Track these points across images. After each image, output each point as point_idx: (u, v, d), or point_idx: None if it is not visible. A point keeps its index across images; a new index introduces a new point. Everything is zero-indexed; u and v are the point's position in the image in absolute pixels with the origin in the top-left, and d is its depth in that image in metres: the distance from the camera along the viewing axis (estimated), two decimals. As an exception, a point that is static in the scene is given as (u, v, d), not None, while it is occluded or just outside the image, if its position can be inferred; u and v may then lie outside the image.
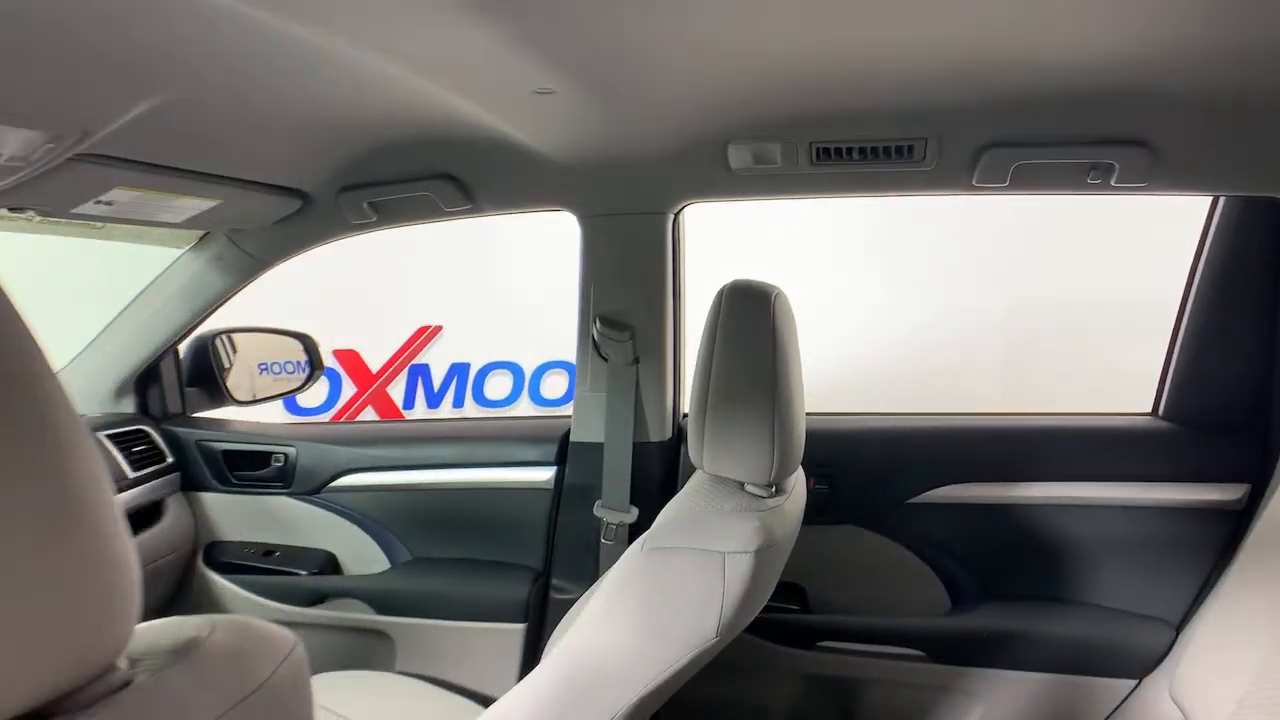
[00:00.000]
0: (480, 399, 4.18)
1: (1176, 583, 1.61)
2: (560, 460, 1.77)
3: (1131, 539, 1.63)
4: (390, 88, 1.17)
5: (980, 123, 1.32)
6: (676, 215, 1.63)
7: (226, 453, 1.90)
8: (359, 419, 4.16)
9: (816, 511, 1.69)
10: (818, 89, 1.23)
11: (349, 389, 4.22)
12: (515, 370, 4.17)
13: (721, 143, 1.42)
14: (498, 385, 4.18)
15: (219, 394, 1.99)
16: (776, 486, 1.19)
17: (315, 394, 4.21)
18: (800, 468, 1.33)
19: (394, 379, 4.24)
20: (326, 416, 4.21)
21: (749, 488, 1.17)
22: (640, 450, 1.67)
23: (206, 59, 0.99)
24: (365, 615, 1.83)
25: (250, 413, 2.03)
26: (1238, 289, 1.56)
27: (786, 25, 0.95)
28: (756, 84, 1.20)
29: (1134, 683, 1.61)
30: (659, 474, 1.70)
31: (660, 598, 1.05)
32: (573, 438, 1.74)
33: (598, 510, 1.68)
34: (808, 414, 1.68)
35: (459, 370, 4.20)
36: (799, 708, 1.74)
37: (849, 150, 1.37)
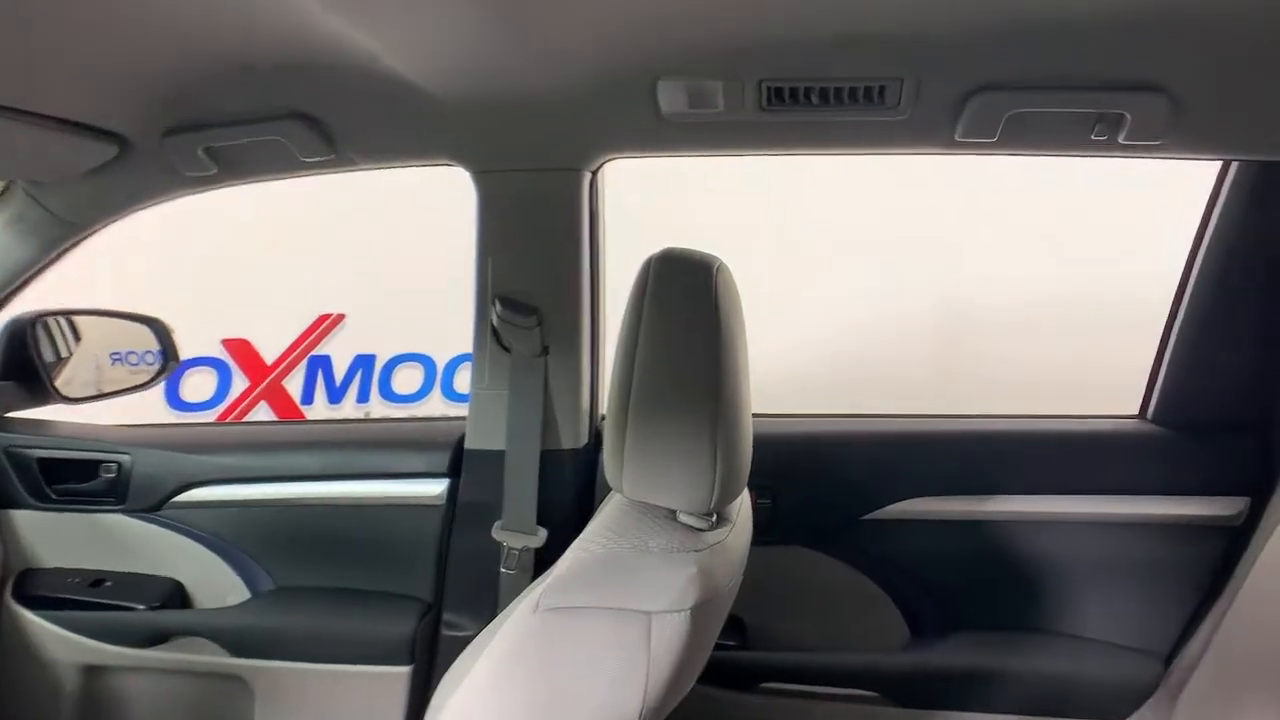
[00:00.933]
0: (388, 394, 3.91)
1: (1166, 610, 1.43)
2: (454, 471, 1.48)
3: (1115, 560, 1.44)
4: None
5: (967, 61, 1.07)
6: (595, 173, 1.34)
7: (44, 461, 1.56)
8: (247, 419, 3.84)
9: (759, 530, 1.43)
10: (769, 13, 0.96)
11: (240, 383, 3.89)
12: (427, 363, 3.89)
13: (650, 80, 1.13)
14: (407, 379, 3.90)
15: (40, 389, 1.62)
16: (719, 515, 0.92)
17: (201, 388, 3.91)
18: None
19: (291, 371, 3.93)
20: (214, 413, 3.86)
21: (683, 518, 0.89)
22: (550, 460, 1.39)
23: None
24: (218, 658, 1.52)
25: (110, 411, 1.67)
26: (1243, 275, 1.36)
27: None
28: (693, 7, 0.93)
29: (1120, 726, 1.41)
30: (573, 489, 1.42)
31: (563, 675, 0.76)
32: (468, 444, 1.44)
33: (497, 533, 1.40)
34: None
35: (364, 362, 3.92)
36: (736, 761, 1.48)
37: (807, 92, 1.11)
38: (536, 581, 0.89)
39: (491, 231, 1.34)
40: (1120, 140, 1.12)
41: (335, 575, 1.54)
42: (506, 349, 1.38)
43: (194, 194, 1.38)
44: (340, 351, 3.88)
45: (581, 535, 0.88)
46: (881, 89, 1.10)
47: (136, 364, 1.81)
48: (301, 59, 1.10)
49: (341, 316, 3.89)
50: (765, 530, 1.45)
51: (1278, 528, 1.28)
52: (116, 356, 1.80)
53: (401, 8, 0.88)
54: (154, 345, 1.78)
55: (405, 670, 1.45)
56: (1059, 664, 1.43)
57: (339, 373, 3.90)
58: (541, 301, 1.34)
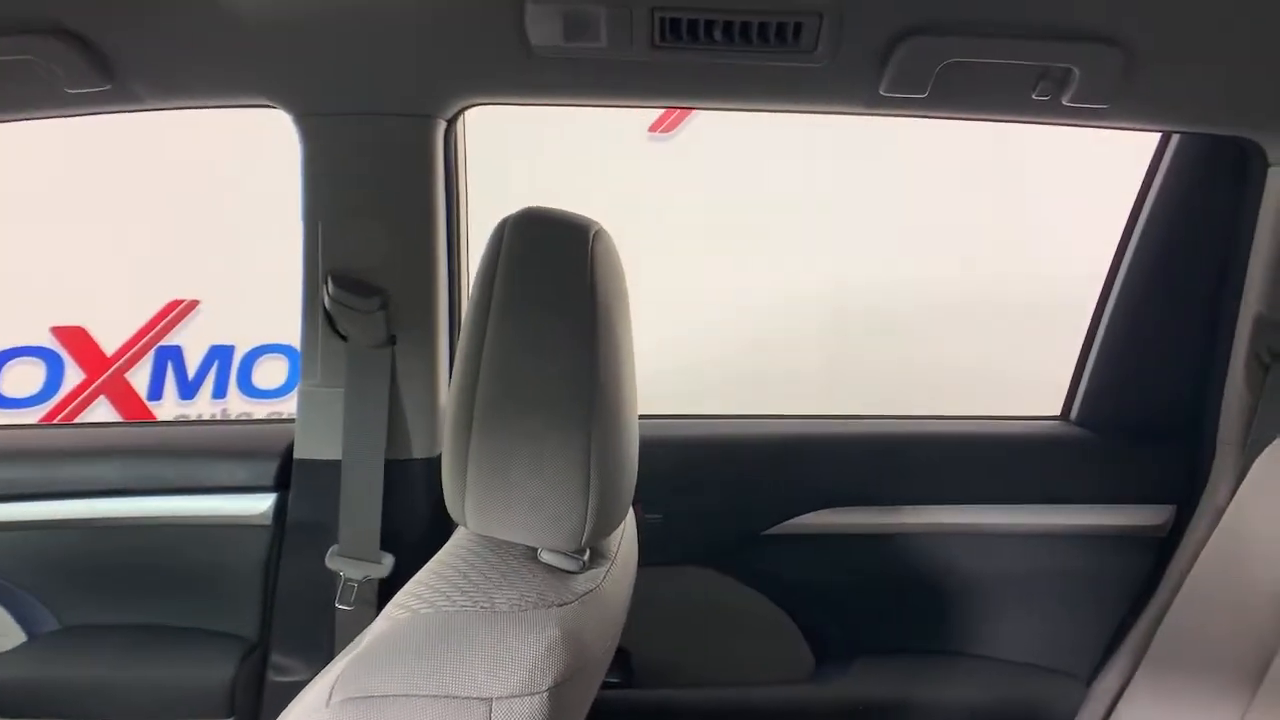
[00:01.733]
0: (248, 388, 3.59)
1: (1088, 627, 1.33)
2: (281, 484, 1.23)
3: (1034, 574, 1.33)
4: None
5: (895, 3, 0.90)
6: (451, 121, 1.11)
7: None
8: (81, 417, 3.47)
9: (647, 549, 1.25)
10: None
11: (75, 376, 3.51)
12: (292, 354, 3.57)
13: (516, 6, 0.91)
14: (271, 371, 3.58)
15: None
16: (594, 551, 0.72)
17: (25, 381, 3.52)
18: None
19: (136, 363, 3.57)
20: (41, 411, 3.49)
21: (546, 557, 0.68)
22: (396, 472, 1.17)
23: None
24: None
25: None
26: (1177, 267, 1.25)
27: None
28: None
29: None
30: (425, 507, 1.19)
31: None
32: (298, 453, 1.20)
33: (332, 560, 1.16)
34: (644, 417, 1.23)
35: (221, 353, 3.59)
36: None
37: (708, 27, 0.91)
38: (344, 652, 0.66)
39: (321, 192, 1.09)
40: (1064, 101, 0.97)
41: (137, 611, 1.29)
42: (343, 337, 1.13)
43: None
44: (193, 341, 3.56)
45: (404, 589, 0.66)
46: (797, 27, 0.91)
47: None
48: None
49: (195, 303, 3.52)
50: (655, 549, 1.26)
51: (1203, 537, 1.18)
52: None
53: None
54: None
55: (223, 727, 1.21)
56: (974, 691, 1.31)
57: (192, 365, 3.58)
58: (386, 280, 1.10)
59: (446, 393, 1.21)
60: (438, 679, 0.56)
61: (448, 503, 0.68)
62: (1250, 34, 0.94)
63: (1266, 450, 1.05)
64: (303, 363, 1.17)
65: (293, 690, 0.92)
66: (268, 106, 1.06)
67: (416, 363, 1.14)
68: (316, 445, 1.18)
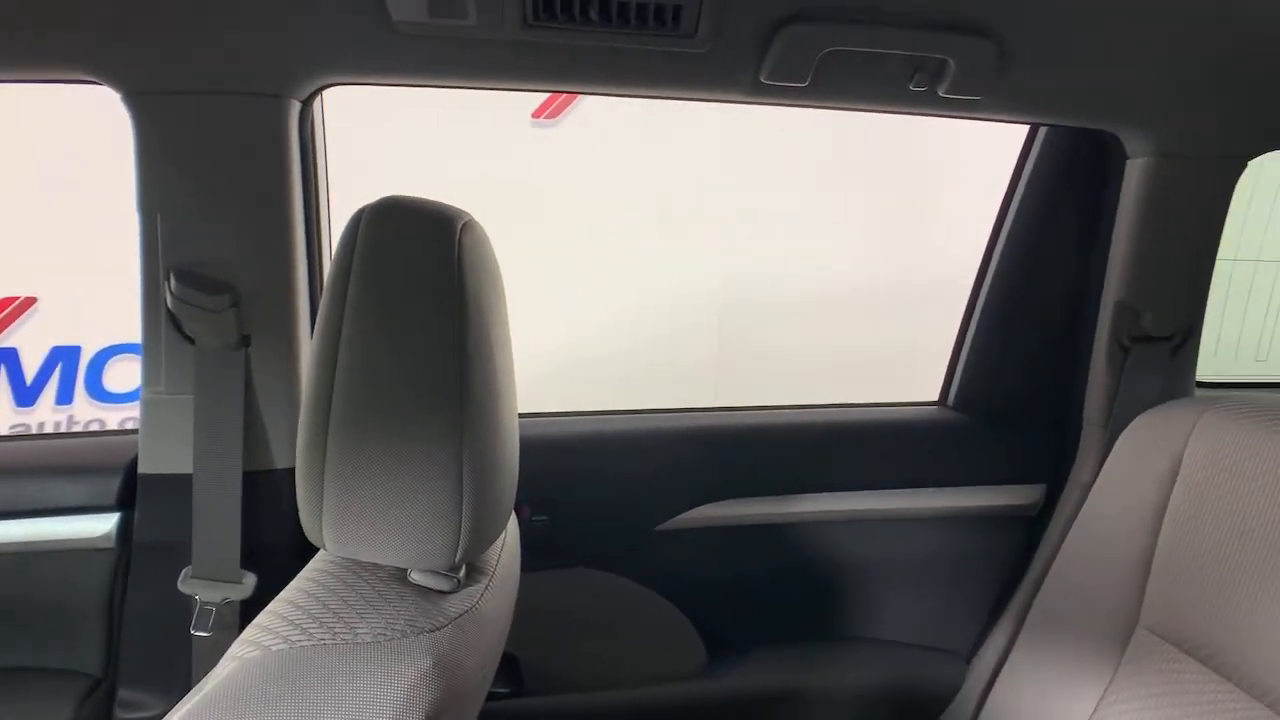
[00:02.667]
0: (99, 393, 3.33)
1: (967, 606, 1.36)
2: (125, 503, 1.10)
3: (915, 557, 1.34)
4: None
5: None
6: (306, 102, 1.02)
7: None
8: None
9: (534, 551, 1.19)
10: None
11: None
12: None
13: None
14: (124, 374, 3.32)
15: None
16: (470, 567, 0.67)
17: None
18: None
19: None
20: None
21: (416, 576, 0.63)
22: (257, 484, 1.07)
23: None
24: None
25: None
26: (1045, 255, 1.29)
27: None
28: None
29: (924, 734, 1.32)
30: (290, 520, 1.09)
31: None
32: (142, 467, 1.08)
33: (186, 583, 1.05)
34: (533, 414, 1.18)
35: (65, 355, 3.30)
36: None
37: (583, 6, 0.86)
38: (196, 689, 0.59)
39: (159, 180, 0.97)
40: (940, 93, 0.97)
41: None
42: (190, 340, 1.02)
43: None
44: (32, 342, 3.26)
45: (254, 623, 0.58)
46: (676, 9, 0.87)
47: None
48: None
49: (32, 300, 3.22)
50: (543, 551, 1.22)
51: (1070, 515, 1.23)
52: None
53: None
54: None
55: (65, 771, 1.07)
56: (860, 676, 1.32)
57: (30, 369, 3.28)
58: (237, 275, 1.00)
59: (301, 439, 1.12)
60: (300, 710, 0.50)
61: (303, 523, 0.62)
62: (1113, 33, 0.97)
63: (1127, 429, 1.09)
64: (145, 368, 1.05)
65: None
66: (91, 83, 0.94)
67: (274, 364, 1.05)
68: (164, 458, 1.06)
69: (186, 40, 0.91)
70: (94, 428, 3.20)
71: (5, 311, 3.27)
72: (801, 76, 0.94)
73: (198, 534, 1.05)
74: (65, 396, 3.27)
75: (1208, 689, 0.92)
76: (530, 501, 1.21)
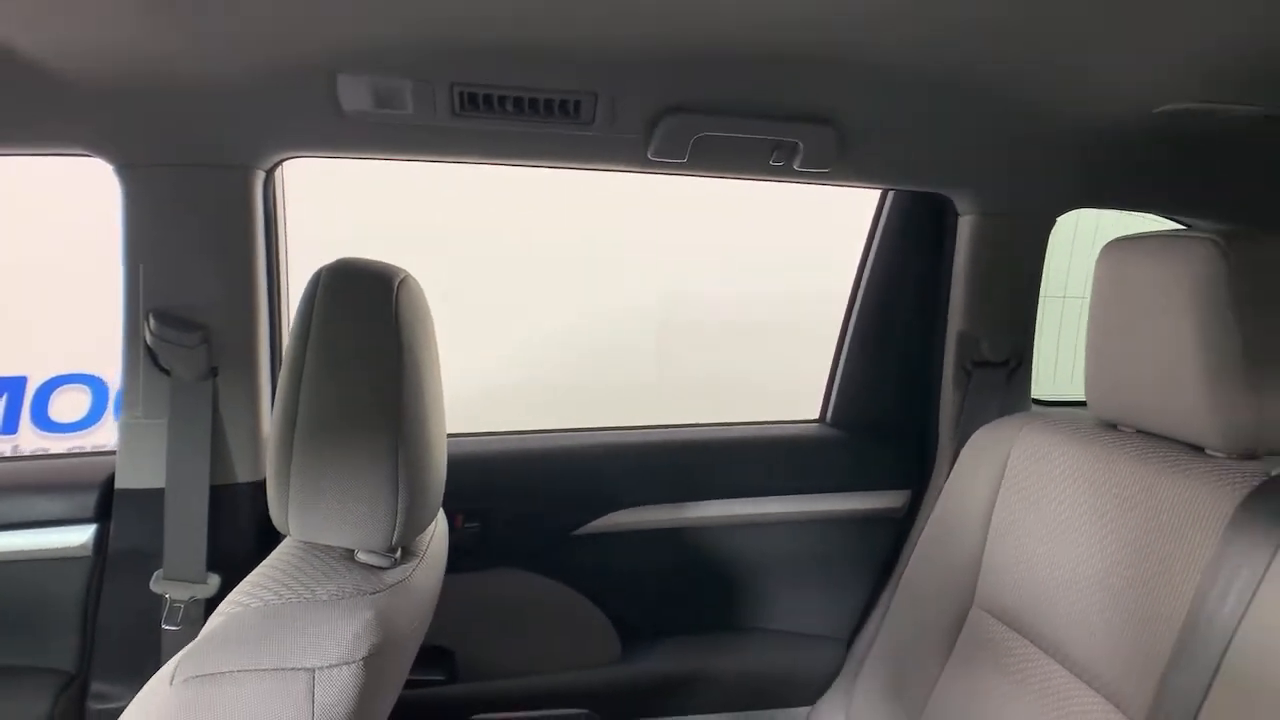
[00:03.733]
0: (44, 423, 3.34)
1: (845, 597, 1.55)
2: (102, 515, 1.25)
3: (801, 555, 1.54)
4: None
5: (657, 83, 1.09)
6: (270, 172, 1.20)
7: None
8: None
9: (467, 554, 1.37)
10: (460, 12, 0.91)
11: None
12: (95, 384, 3.36)
13: (329, 73, 1.03)
14: (70, 404, 3.34)
15: None
16: (404, 550, 0.85)
17: None
18: (441, 508, 1.00)
19: None
20: None
21: (362, 557, 0.80)
22: (222, 496, 1.22)
23: None
24: None
25: None
26: (900, 292, 1.51)
27: None
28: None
29: (808, 709, 1.51)
30: (251, 526, 1.26)
31: None
32: (119, 483, 1.23)
33: (157, 584, 1.20)
34: (453, 435, 1.35)
35: (10, 385, 3.31)
36: (448, 802, 1.40)
37: (501, 100, 1.06)
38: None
39: (142, 235, 1.14)
40: (795, 166, 1.19)
41: None
42: (166, 371, 1.19)
43: None
44: None
45: (236, 589, 0.76)
46: (577, 104, 1.08)
47: None
48: None
49: (-22, 332, 3.28)
50: (474, 554, 1.39)
51: (932, 516, 1.44)
52: None
53: None
54: None
55: (41, 759, 1.20)
56: (754, 660, 1.51)
57: None
58: (208, 317, 1.17)
59: (269, 420, 1.28)
60: (268, 655, 0.67)
61: (273, 515, 0.79)
62: (938, 116, 1.20)
63: (969, 441, 1.31)
64: (124, 396, 1.21)
65: (114, 716, 0.98)
66: (86, 156, 1.11)
67: (238, 392, 1.21)
68: (138, 475, 1.22)
69: (170, 123, 1.09)
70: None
71: None
72: (680, 155, 1.15)
73: (169, 541, 1.20)
74: (10, 426, 3.28)
75: (1026, 658, 1.12)
76: (463, 511, 1.39)
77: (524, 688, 1.43)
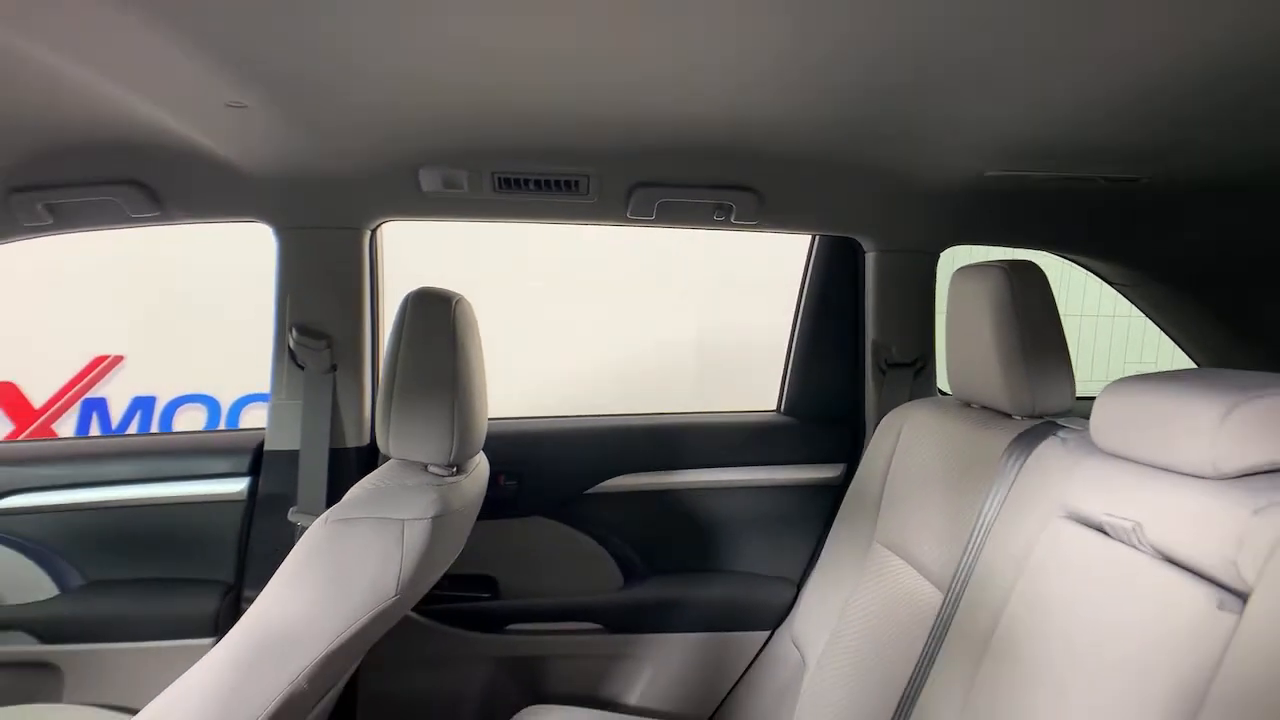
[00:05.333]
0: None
1: (795, 547, 1.98)
2: (254, 470, 1.79)
3: (761, 514, 1.99)
4: (64, 86, 1.17)
5: (630, 165, 1.60)
6: (373, 231, 1.76)
7: None
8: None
9: (506, 505, 1.88)
10: (497, 126, 1.43)
11: (5, 427, 3.78)
12: (210, 404, 3.95)
13: (413, 166, 1.58)
14: (190, 421, 3.94)
15: None
16: (457, 467, 1.35)
17: None
18: (483, 454, 1.50)
19: (62, 415, 3.86)
20: None
21: (431, 468, 1.32)
22: (337, 456, 1.75)
23: None
24: (26, 647, 1.70)
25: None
26: (831, 311, 1.99)
27: (464, 67, 1.12)
28: (442, 115, 1.36)
29: (768, 633, 1.95)
30: (357, 478, 1.78)
31: (342, 561, 1.16)
32: (267, 446, 1.77)
33: (292, 515, 1.72)
34: (498, 418, 1.86)
35: (142, 404, 3.90)
36: (491, 690, 1.88)
37: (525, 181, 1.60)
38: None
39: (289, 274, 1.71)
40: (732, 220, 1.69)
41: (143, 567, 1.77)
42: (301, 366, 1.73)
43: (26, 240, 1.65)
44: (118, 393, 3.86)
45: (362, 480, 1.28)
46: (576, 181, 1.61)
47: None
48: (135, 139, 1.44)
49: (120, 358, 3.91)
50: (511, 505, 1.90)
51: (858, 483, 1.88)
52: None
53: (219, 108, 1.26)
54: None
55: (209, 642, 1.70)
56: (725, 593, 1.95)
57: (116, 415, 3.88)
58: (330, 329, 1.72)
59: (369, 403, 1.81)
60: (378, 511, 1.19)
61: (379, 443, 1.31)
62: (832, 181, 1.68)
63: (880, 423, 1.76)
64: (273, 384, 1.76)
65: None
66: (255, 222, 1.69)
67: (351, 382, 1.76)
68: (281, 440, 1.76)
69: (310, 199, 1.65)
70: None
71: (99, 368, 3.91)
72: (649, 213, 1.67)
73: (302, 485, 1.74)
74: (143, 438, 3.85)
75: (903, 576, 1.53)
76: (504, 472, 1.89)
77: (548, 606, 1.91)
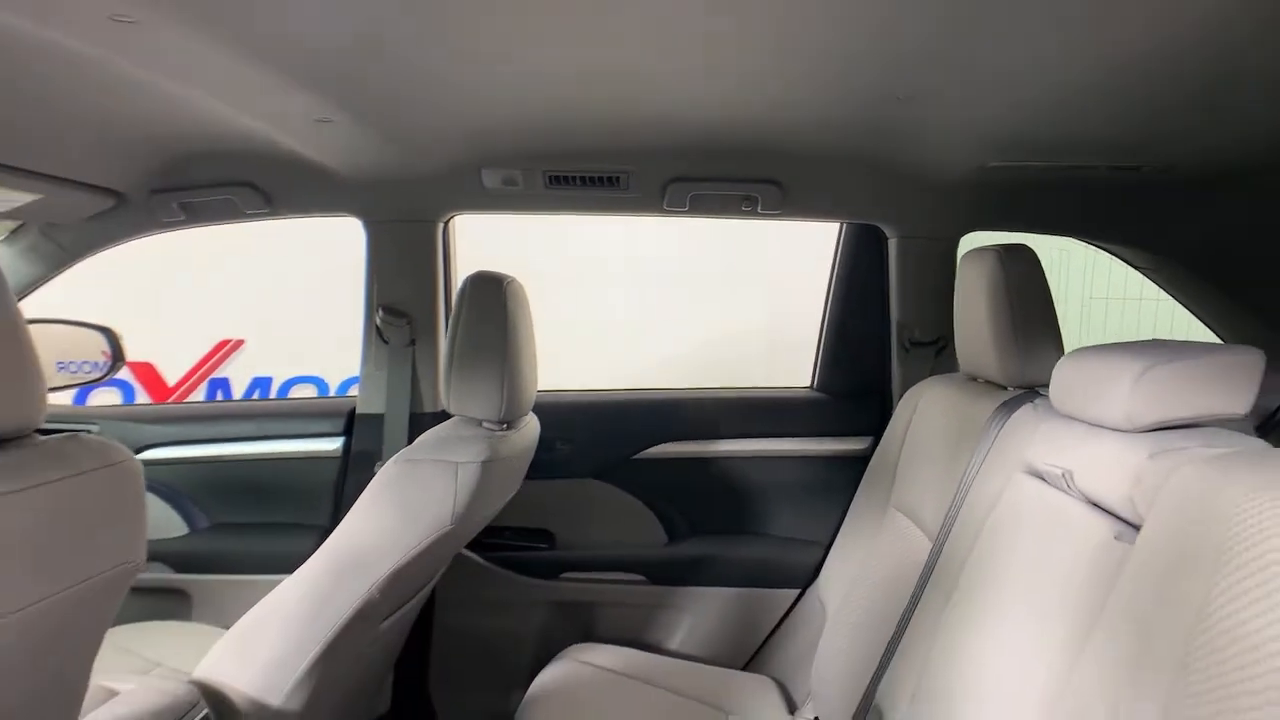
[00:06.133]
0: None
1: (825, 513, 2.13)
2: (347, 431, 2.08)
3: (794, 482, 2.16)
4: (193, 107, 1.45)
5: (665, 163, 1.81)
6: (446, 224, 2.02)
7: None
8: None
9: (561, 467, 2.12)
10: (546, 131, 1.66)
11: (145, 401, 4.23)
12: (319, 384, 4.33)
13: (477, 167, 1.83)
14: (302, 395, 4.30)
15: None
16: (508, 424, 1.59)
17: (105, 403, 4.20)
18: (534, 416, 1.74)
19: (192, 392, 4.29)
20: None
21: (485, 423, 1.56)
22: (416, 419, 2.02)
23: (17, 73, 1.22)
24: (162, 574, 2.04)
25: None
26: (859, 294, 2.15)
27: (520, 85, 1.35)
28: (502, 124, 1.60)
29: (798, 591, 2.12)
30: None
31: (407, 495, 1.42)
32: (358, 410, 2.06)
33: (378, 468, 2.00)
34: (557, 390, 2.10)
35: (261, 384, 4.30)
36: (545, 629, 2.13)
37: (573, 178, 1.82)
38: None
39: (376, 260, 1.99)
40: (759, 211, 1.88)
41: (257, 512, 2.10)
42: (386, 341, 2.02)
43: (162, 233, 1.98)
44: (239, 373, 4.28)
45: (427, 431, 1.54)
46: (617, 177, 1.83)
47: (75, 372, 2.33)
48: (248, 148, 1.74)
49: (241, 342, 4.33)
50: (567, 466, 2.13)
51: (882, 454, 2.03)
52: (60, 365, 2.32)
53: (310, 123, 1.52)
54: (95, 355, 2.31)
55: (309, 576, 2.04)
56: (760, 552, 2.14)
57: (237, 393, 4.30)
58: (410, 308, 2.00)
59: (444, 373, 2.08)
60: (438, 454, 1.44)
61: (442, 401, 1.56)
62: (852, 173, 1.85)
63: (902, 398, 1.91)
64: (363, 357, 2.05)
65: None
66: (349, 216, 1.97)
67: (427, 356, 2.03)
68: (370, 405, 2.05)
69: (393, 198, 1.93)
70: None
71: (223, 350, 4.35)
72: (683, 205, 1.87)
73: (386, 443, 2.02)
74: (261, 413, 4.26)
75: (908, 534, 1.68)
76: (560, 438, 2.13)
77: (598, 558, 2.14)
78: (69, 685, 0.99)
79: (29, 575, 0.82)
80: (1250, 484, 0.78)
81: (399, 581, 1.43)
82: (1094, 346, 1.23)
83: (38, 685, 0.92)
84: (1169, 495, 0.89)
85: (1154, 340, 1.16)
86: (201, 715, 1.39)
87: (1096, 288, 4.78)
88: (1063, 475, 1.13)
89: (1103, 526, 1.03)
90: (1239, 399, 1.01)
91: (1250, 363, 1.01)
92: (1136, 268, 2.09)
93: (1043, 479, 1.20)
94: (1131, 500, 0.99)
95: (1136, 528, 0.98)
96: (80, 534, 0.88)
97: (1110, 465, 1.05)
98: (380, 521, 1.42)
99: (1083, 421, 1.17)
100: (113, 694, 1.52)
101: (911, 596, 1.48)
